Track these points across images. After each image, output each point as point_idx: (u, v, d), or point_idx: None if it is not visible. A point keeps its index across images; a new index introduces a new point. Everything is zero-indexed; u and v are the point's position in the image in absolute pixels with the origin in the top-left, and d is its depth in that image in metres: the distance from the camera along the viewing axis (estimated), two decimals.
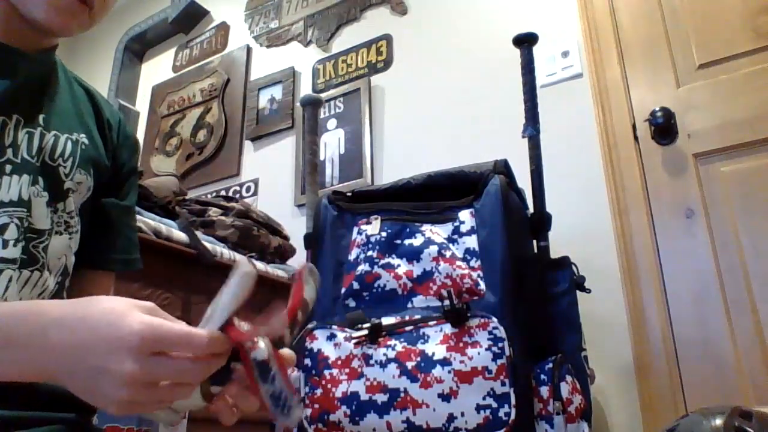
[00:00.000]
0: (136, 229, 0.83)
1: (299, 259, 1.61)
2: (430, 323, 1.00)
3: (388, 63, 2.22)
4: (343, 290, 1.12)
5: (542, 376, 0.97)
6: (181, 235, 1.42)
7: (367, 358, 1.00)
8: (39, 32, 0.68)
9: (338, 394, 0.99)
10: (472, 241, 1.08)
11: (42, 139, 0.67)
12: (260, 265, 1.65)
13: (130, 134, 0.82)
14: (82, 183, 0.71)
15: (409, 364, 0.96)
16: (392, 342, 1.00)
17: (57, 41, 0.72)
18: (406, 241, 1.11)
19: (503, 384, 0.91)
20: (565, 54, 1.82)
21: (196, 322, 0.47)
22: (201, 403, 0.48)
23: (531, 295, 1.07)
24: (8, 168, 0.62)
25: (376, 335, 1.01)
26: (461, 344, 0.95)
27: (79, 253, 0.73)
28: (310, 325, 1.07)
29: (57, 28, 0.66)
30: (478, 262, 1.06)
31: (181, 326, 0.44)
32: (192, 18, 2.97)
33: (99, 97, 0.79)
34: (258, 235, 1.68)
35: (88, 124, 0.74)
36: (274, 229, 1.78)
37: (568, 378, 0.97)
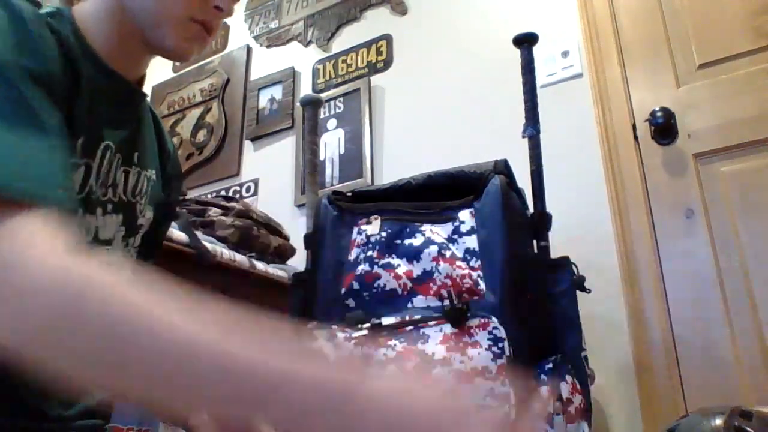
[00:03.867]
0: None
1: (299, 259, 1.61)
2: (430, 323, 1.00)
3: (388, 63, 2.22)
4: (343, 290, 1.12)
5: (542, 377, 0.97)
6: (181, 235, 1.42)
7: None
8: (150, 56, 0.67)
9: None
10: (472, 241, 1.08)
11: (132, 178, 0.68)
12: (260, 265, 1.65)
13: (179, 164, 0.84)
14: (149, 219, 0.73)
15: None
16: (392, 342, 1.00)
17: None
18: (406, 241, 1.11)
19: (503, 384, 0.91)
20: (565, 54, 1.82)
21: None
22: None
23: (531, 295, 1.07)
24: (110, 207, 0.64)
25: (376, 335, 1.01)
26: (461, 344, 0.95)
27: None
28: (309, 325, 1.07)
29: (181, 56, 0.66)
30: (478, 262, 1.06)
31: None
32: None
33: (162, 126, 0.80)
34: (258, 235, 1.68)
35: (157, 159, 0.75)
36: (274, 229, 1.78)
37: (568, 378, 0.97)
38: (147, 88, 2.71)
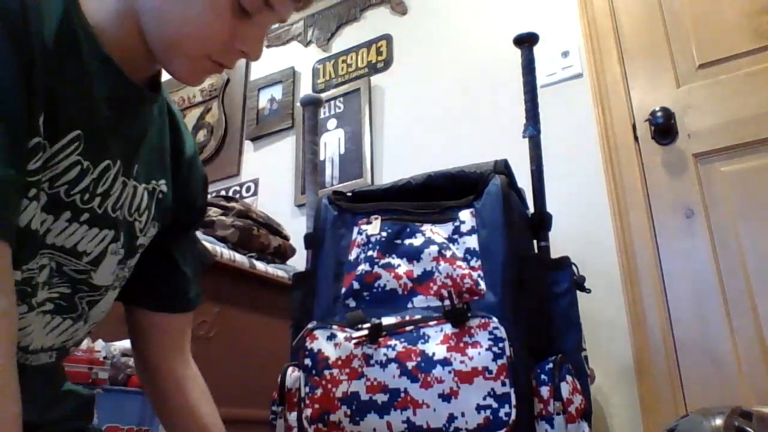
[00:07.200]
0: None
1: (299, 258, 1.61)
2: (431, 323, 1.00)
3: (388, 63, 2.22)
4: (343, 290, 1.12)
5: (543, 377, 0.97)
6: None
7: (367, 358, 1.00)
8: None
9: (338, 394, 0.99)
10: (472, 241, 1.08)
11: (129, 192, 0.61)
12: (260, 265, 1.65)
13: (201, 167, 0.75)
14: (152, 237, 0.66)
15: (410, 364, 0.96)
16: (392, 342, 1.00)
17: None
18: (407, 241, 1.11)
19: (503, 384, 0.91)
20: (565, 54, 1.82)
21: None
22: None
23: (531, 295, 1.07)
24: (84, 216, 0.56)
25: (376, 335, 1.01)
26: (461, 344, 0.95)
27: (152, 298, 0.69)
28: (310, 325, 1.07)
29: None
30: (479, 262, 1.06)
31: None
32: None
33: (182, 126, 0.71)
34: (258, 235, 1.68)
35: (167, 166, 0.67)
36: (274, 229, 1.78)
37: (569, 378, 0.97)
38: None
